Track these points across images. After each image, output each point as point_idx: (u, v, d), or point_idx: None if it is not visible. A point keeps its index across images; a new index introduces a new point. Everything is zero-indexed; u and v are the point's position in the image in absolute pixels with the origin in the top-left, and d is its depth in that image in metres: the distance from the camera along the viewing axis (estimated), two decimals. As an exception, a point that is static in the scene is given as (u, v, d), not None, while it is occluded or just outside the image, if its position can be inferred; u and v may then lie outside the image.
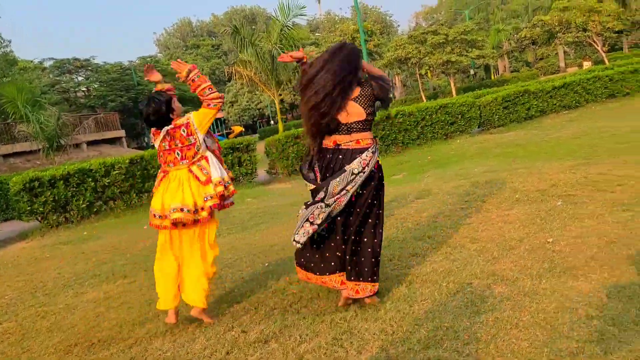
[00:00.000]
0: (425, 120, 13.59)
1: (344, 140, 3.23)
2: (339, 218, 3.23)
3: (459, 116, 14.10)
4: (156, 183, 3.58)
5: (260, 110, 45.67)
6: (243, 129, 47.93)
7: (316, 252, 3.32)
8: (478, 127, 14.88)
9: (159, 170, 3.64)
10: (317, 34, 52.50)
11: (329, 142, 3.27)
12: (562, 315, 2.75)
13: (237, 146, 10.90)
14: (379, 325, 3.00)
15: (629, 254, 3.48)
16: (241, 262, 4.99)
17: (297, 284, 4.04)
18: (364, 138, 3.25)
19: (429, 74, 34.04)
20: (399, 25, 73.71)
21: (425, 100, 26.58)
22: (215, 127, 48.23)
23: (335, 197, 3.13)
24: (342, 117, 3.19)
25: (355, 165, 3.15)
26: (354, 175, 3.14)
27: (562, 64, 42.46)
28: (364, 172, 3.16)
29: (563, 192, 5.74)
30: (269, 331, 3.16)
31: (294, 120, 45.17)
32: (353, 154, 3.19)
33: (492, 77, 41.90)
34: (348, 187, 3.14)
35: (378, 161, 3.32)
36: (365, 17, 60.26)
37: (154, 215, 3.47)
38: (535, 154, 9.22)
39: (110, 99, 32.48)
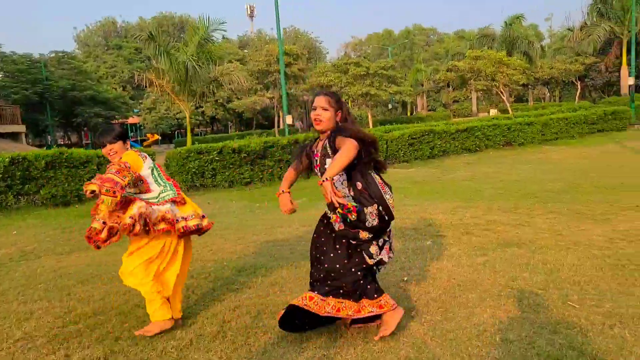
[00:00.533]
0: (332, 149, 13.82)
1: None
2: None
3: (366, 148, 14.46)
4: (180, 192, 3.50)
5: (180, 120, 44.60)
6: (159, 137, 46.46)
7: None
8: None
9: (172, 190, 3.45)
10: (245, 51, 52.38)
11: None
12: (384, 355, 2.80)
13: (134, 155, 10.46)
14: (209, 356, 2.92)
15: (468, 298, 3.65)
16: (98, 279, 4.72)
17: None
18: None
19: (350, 104, 34.87)
20: (327, 53, 75.16)
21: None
22: (129, 133, 46.46)
23: None
24: None
25: None
26: None
27: (474, 109, 45.06)
28: None
29: (436, 232, 6.00)
30: (93, 357, 2.98)
31: (214, 134, 44.45)
32: None
33: (409, 113, 43.66)
34: None
35: None
36: (295, 41, 61.06)
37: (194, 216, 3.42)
38: (426, 192, 9.60)
39: (14, 92, 30.32)
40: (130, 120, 47.07)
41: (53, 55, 38.14)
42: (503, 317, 3.25)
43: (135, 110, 47.46)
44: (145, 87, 18.17)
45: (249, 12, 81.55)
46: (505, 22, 32.87)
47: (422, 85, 46.82)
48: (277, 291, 4.06)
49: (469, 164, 14.60)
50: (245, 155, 11.69)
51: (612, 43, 30.98)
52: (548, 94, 52.27)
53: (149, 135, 45.86)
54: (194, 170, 11.19)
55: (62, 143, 41.48)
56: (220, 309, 3.68)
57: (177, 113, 42.56)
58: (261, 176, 12.38)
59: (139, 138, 46.26)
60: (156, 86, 17.01)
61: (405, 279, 4.22)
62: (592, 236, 5.34)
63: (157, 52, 16.47)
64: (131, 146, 3.61)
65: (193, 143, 16.99)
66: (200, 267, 4.95)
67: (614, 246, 4.89)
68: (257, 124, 47.78)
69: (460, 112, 46.91)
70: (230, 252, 5.55)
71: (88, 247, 6.08)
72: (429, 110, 52.83)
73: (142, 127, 47.77)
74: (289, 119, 16.89)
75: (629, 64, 25.97)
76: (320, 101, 3.03)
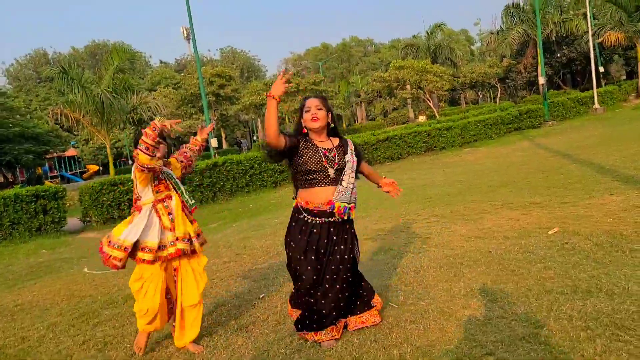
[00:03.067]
0: (254, 169, 14.05)
1: None
2: None
3: (289, 165, 14.75)
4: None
5: (118, 149, 43.91)
6: (100, 168, 45.46)
7: None
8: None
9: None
10: (182, 74, 52.16)
11: None
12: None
13: (42, 194, 10.36)
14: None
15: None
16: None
17: None
18: None
19: (287, 120, 35.28)
20: (267, 70, 75.75)
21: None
22: (68, 166, 45.19)
23: None
24: None
25: None
26: None
27: (411, 115, 46.32)
28: None
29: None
30: None
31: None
32: None
33: (344, 125, 44.51)
34: None
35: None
36: (234, 60, 61.30)
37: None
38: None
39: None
40: (68, 153, 45.88)
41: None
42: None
43: (72, 143, 46.32)
44: (61, 122, 17.89)
45: (185, 35, 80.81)
46: (427, 31, 34.22)
47: (360, 95, 47.88)
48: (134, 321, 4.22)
49: (391, 171, 15.07)
50: (161, 183, 11.74)
51: (528, 44, 32.68)
52: (482, 95, 54.39)
53: (88, 166, 44.85)
54: (108, 202, 11.15)
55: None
56: (68, 343, 3.82)
57: (115, 142, 41.85)
58: (181, 202, 12.44)
59: (78, 171, 45.11)
60: (71, 120, 16.83)
61: (262, 295, 4.47)
62: (455, 236, 5.74)
63: (73, 86, 16.35)
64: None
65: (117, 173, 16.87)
66: (78, 301, 5.05)
67: (467, 244, 5.28)
68: (199, 146, 47.46)
69: (398, 119, 48.13)
70: (113, 285, 5.66)
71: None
72: (370, 119, 54.00)
73: (80, 160, 46.64)
74: (214, 142, 17.10)
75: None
76: (315, 102, 3.31)
